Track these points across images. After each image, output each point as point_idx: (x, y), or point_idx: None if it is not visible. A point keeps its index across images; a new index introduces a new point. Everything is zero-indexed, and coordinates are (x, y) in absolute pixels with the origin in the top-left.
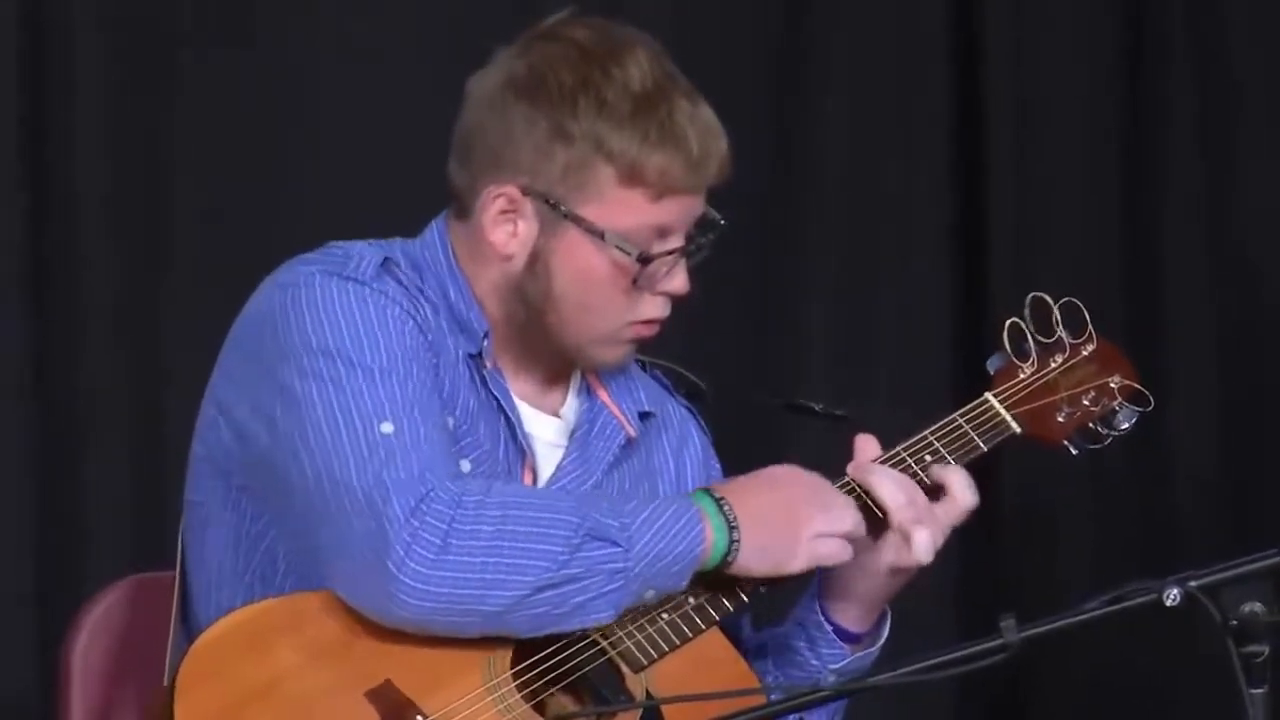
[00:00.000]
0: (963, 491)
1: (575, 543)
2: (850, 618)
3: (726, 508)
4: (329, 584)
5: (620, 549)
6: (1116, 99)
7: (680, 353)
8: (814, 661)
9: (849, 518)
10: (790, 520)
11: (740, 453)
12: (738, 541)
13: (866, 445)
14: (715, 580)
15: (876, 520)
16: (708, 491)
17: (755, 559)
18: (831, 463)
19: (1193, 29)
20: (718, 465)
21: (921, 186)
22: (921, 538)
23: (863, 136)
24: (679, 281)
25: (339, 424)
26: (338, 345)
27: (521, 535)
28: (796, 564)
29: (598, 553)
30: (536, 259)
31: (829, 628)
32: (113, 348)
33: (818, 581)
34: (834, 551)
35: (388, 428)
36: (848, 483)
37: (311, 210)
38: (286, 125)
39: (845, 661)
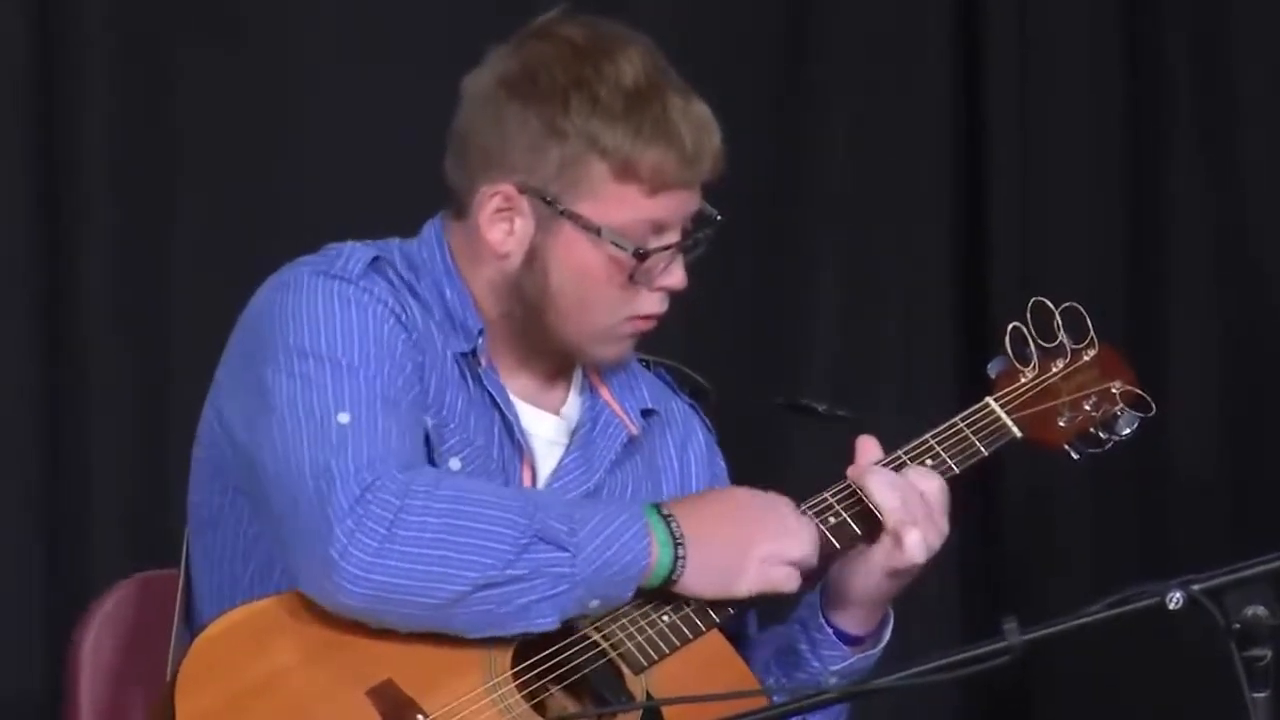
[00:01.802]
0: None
1: (523, 543)
2: (850, 620)
3: (674, 525)
4: (291, 577)
5: (568, 554)
6: (1119, 104)
7: (683, 354)
8: (815, 663)
9: (801, 545)
10: (740, 543)
11: (742, 453)
12: (683, 559)
13: (867, 446)
14: None
15: (876, 522)
16: (657, 507)
17: (701, 579)
18: (833, 464)
19: (1195, 33)
20: (722, 463)
21: (924, 189)
22: (913, 538)
23: (865, 138)
24: (676, 277)
25: (299, 416)
26: (312, 342)
27: (468, 530)
28: (743, 587)
29: (544, 555)
30: (533, 256)
31: (829, 630)
32: (118, 347)
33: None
34: (783, 578)
35: (344, 418)
36: (847, 485)
37: (312, 210)
38: (289, 126)
39: (846, 663)
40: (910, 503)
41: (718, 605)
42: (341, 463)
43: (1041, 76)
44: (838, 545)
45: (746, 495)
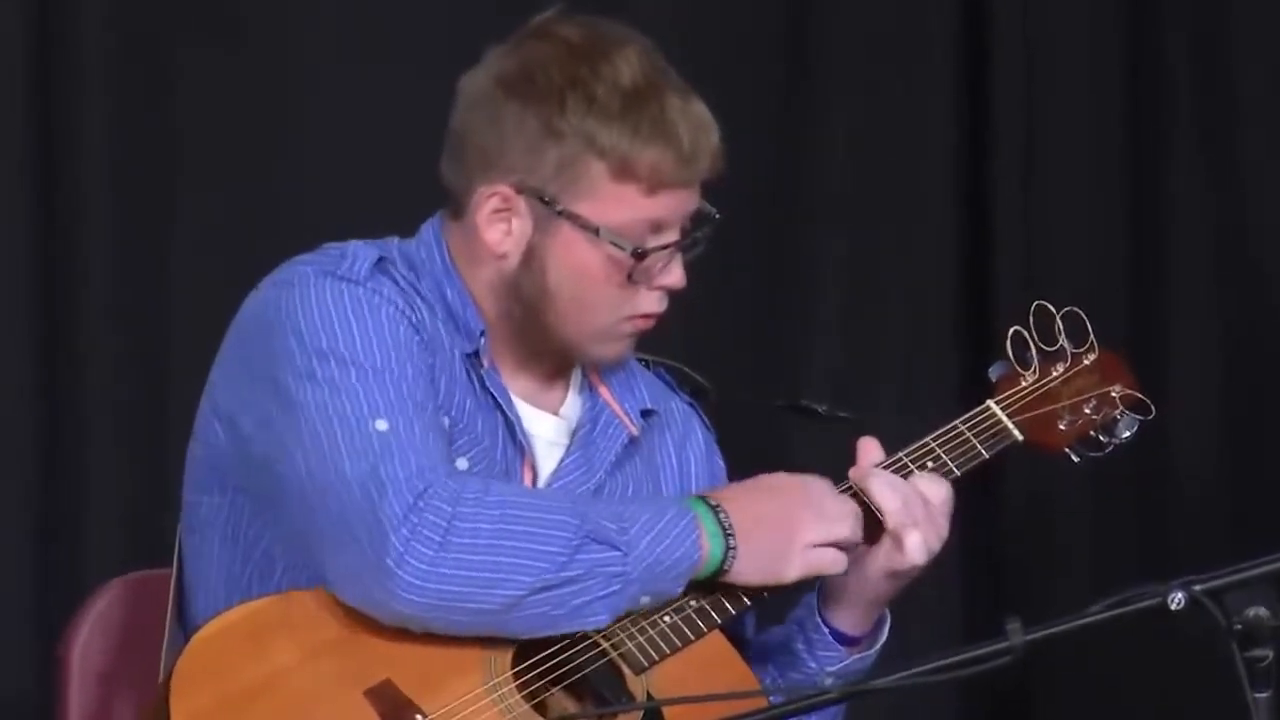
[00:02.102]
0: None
1: (575, 544)
2: (847, 620)
3: (723, 516)
4: (326, 582)
5: (620, 553)
6: (1120, 104)
7: (683, 354)
8: (811, 664)
9: (845, 526)
10: (786, 529)
11: (743, 454)
12: (734, 549)
13: (868, 448)
14: (717, 583)
15: (877, 523)
16: (704, 499)
17: (751, 568)
18: (834, 465)
19: (1195, 33)
20: (721, 462)
21: (926, 189)
22: (913, 540)
23: (867, 139)
24: (675, 276)
25: (334, 423)
26: (331, 345)
27: (521, 535)
28: (792, 573)
29: (597, 555)
30: (531, 256)
31: (826, 630)
32: (114, 346)
33: (816, 584)
34: (830, 561)
35: (382, 425)
36: (849, 487)
37: (312, 210)
38: (289, 126)
39: (843, 664)
40: (911, 504)
41: (719, 606)
42: (390, 470)
43: (1043, 77)
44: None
45: (788, 480)
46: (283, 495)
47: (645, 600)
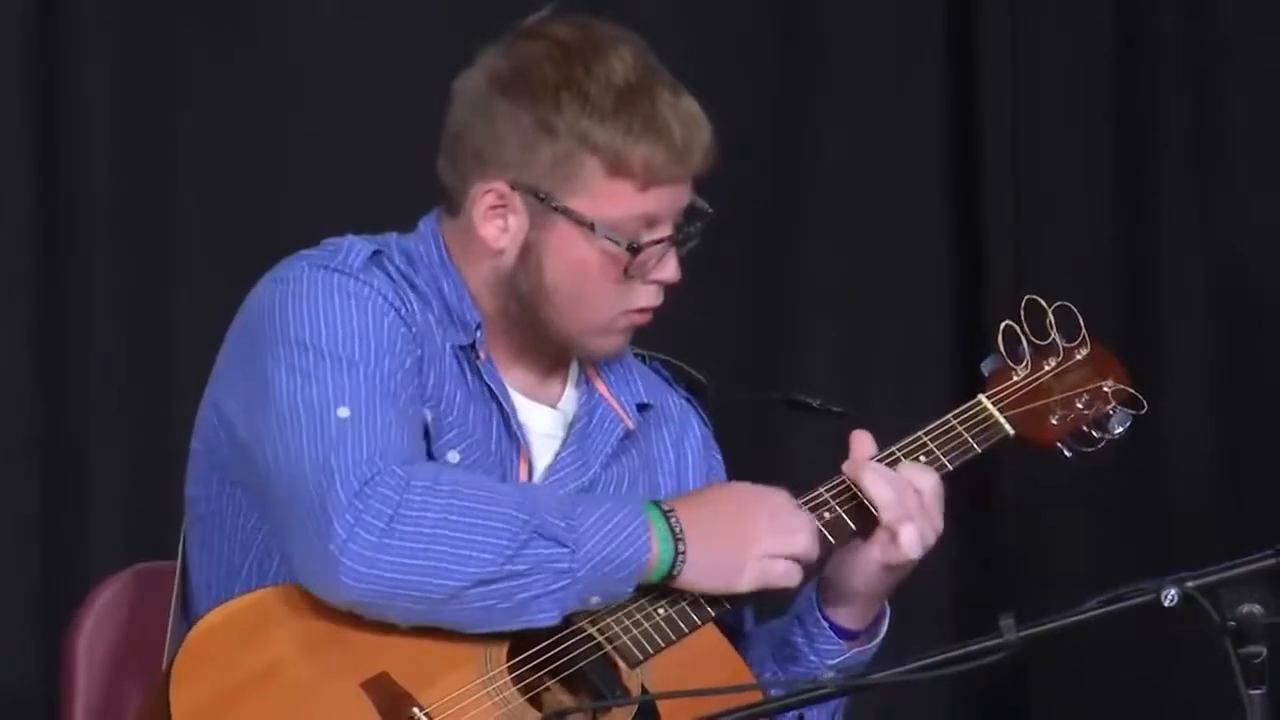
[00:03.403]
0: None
1: (522, 538)
2: (846, 615)
3: (674, 520)
4: (290, 570)
5: (567, 550)
6: (1112, 104)
7: (680, 349)
8: (812, 657)
9: (801, 540)
10: (740, 538)
11: (738, 448)
12: (683, 554)
13: (862, 442)
14: None
15: (871, 517)
16: (657, 504)
17: (701, 575)
18: (827, 458)
19: (1187, 33)
20: (719, 456)
21: (920, 188)
22: (909, 533)
23: (862, 137)
24: (670, 270)
25: (299, 410)
26: (313, 336)
27: (466, 526)
28: (744, 583)
29: (544, 551)
30: (528, 252)
31: (826, 624)
32: (118, 341)
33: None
34: (782, 573)
35: (344, 412)
36: (842, 480)
37: (315, 206)
38: (289, 121)
39: (843, 658)
40: (905, 498)
41: (714, 600)
42: (341, 458)
43: (1034, 76)
44: (833, 540)
45: (746, 490)
46: (263, 485)
47: (595, 600)
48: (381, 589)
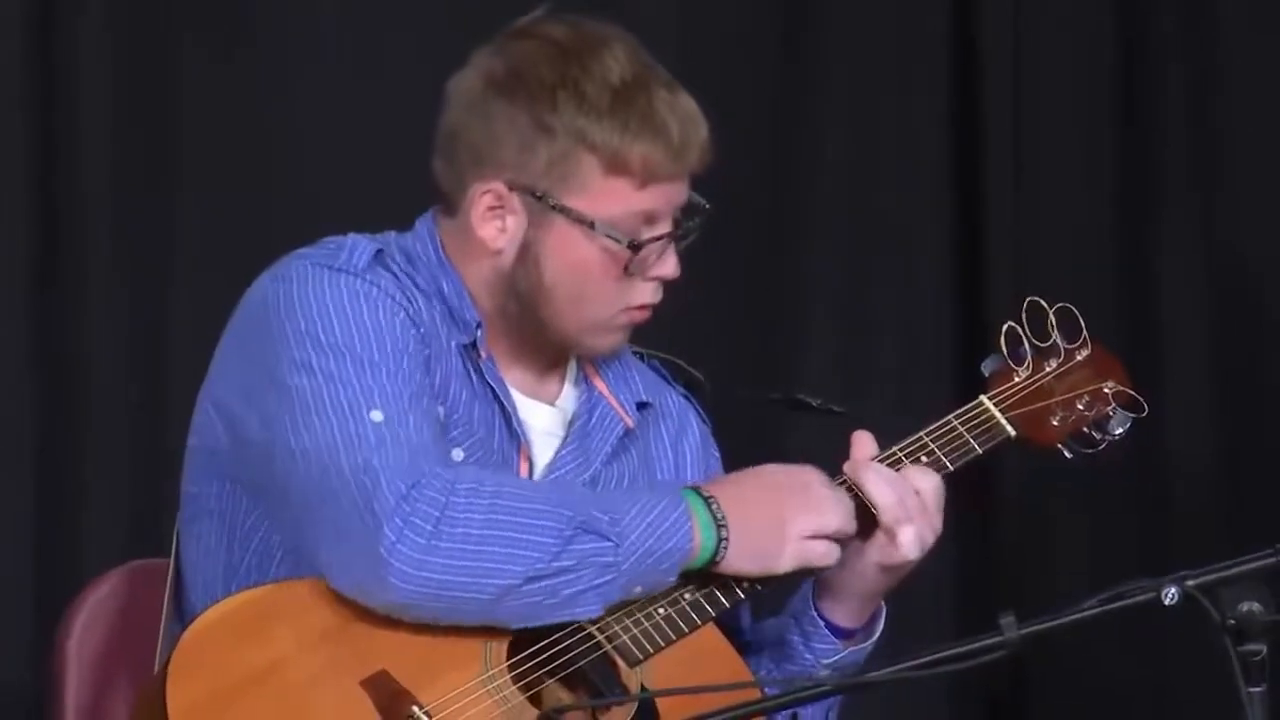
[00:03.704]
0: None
1: (567, 534)
2: (842, 613)
3: (715, 506)
4: (321, 572)
5: (611, 543)
6: (1112, 105)
7: (679, 348)
8: (807, 656)
9: (838, 518)
10: (778, 520)
11: (737, 447)
12: (726, 540)
13: (862, 442)
14: (711, 576)
15: (870, 517)
16: (697, 490)
17: (743, 559)
18: (828, 458)
19: (1188, 33)
20: (717, 454)
21: (921, 189)
22: (907, 535)
23: (863, 135)
24: (670, 266)
25: (329, 413)
26: (328, 337)
27: (513, 525)
28: (783, 565)
29: (589, 545)
30: (526, 252)
31: (822, 623)
32: (114, 338)
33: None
34: (822, 553)
35: (377, 415)
36: (843, 480)
37: (312, 204)
38: (289, 121)
39: (838, 656)
40: (905, 499)
41: (713, 598)
42: (384, 460)
43: (1035, 76)
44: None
45: (779, 472)
46: (281, 487)
47: (638, 590)
48: (430, 590)
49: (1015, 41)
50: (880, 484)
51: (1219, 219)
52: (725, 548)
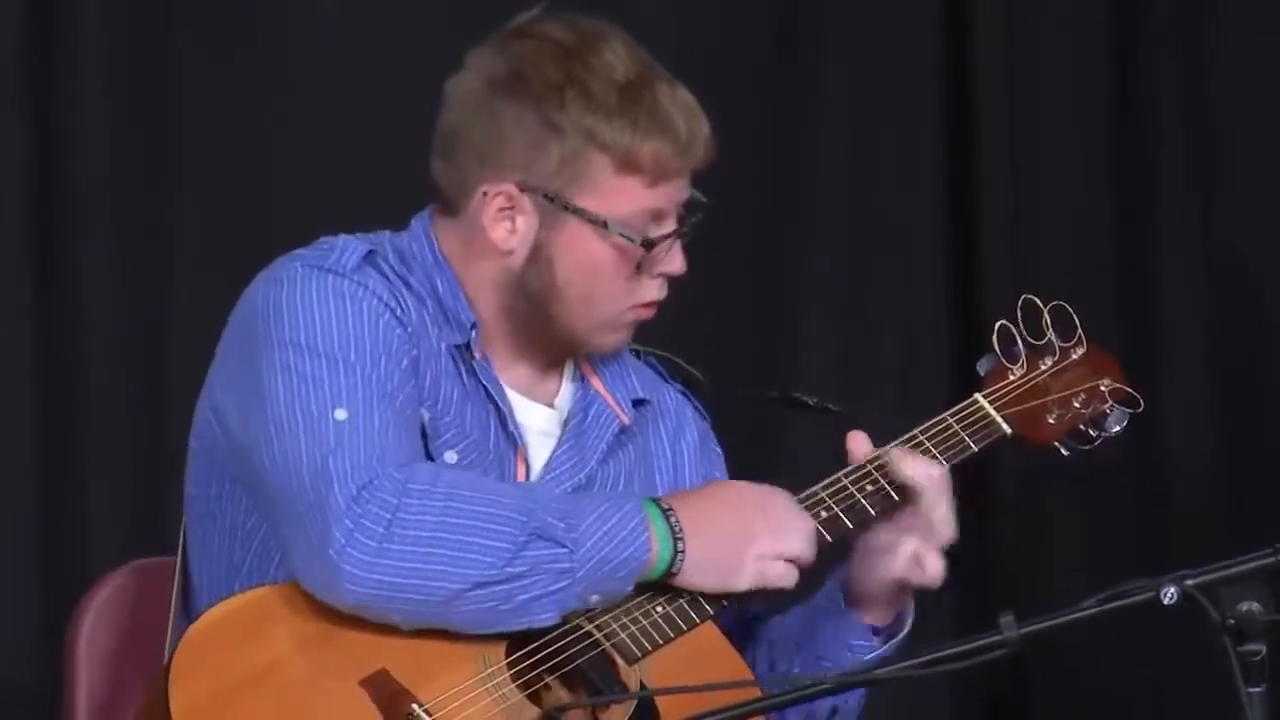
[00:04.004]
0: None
1: (521, 540)
2: (873, 616)
3: (673, 519)
4: (290, 572)
5: (566, 550)
6: (1110, 105)
7: (679, 347)
8: (845, 653)
9: (798, 541)
10: (739, 538)
11: (735, 446)
12: (682, 553)
13: (857, 441)
14: None
15: (868, 516)
16: (656, 501)
17: (699, 573)
18: (826, 456)
19: (1186, 34)
20: (718, 449)
21: (919, 189)
22: (942, 511)
23: (861, 138)
24: (677, 262)
25: (297, 413)
26: (308, 338)
27: (465, 529)
28: (741, 582)
29: (543, 552)
30: (538, 252)
31: (854, 619)
32: (117, 336)
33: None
34: (780, 574)
35: (341, 415)
36: (879, 462)
37: (315, 205)
38: (289, 121)
39: (876, 653)
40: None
41: (712, 598)
42: (338, 461)
43: (1032, 76)
44: (829, 539)
45: (745, 489)
46: (262, 487)
47: (595, 599)
48: (381, 592)
49: (1010, 42)
50: (919, 463)
51: (1218, 218)
52: (681, 560)
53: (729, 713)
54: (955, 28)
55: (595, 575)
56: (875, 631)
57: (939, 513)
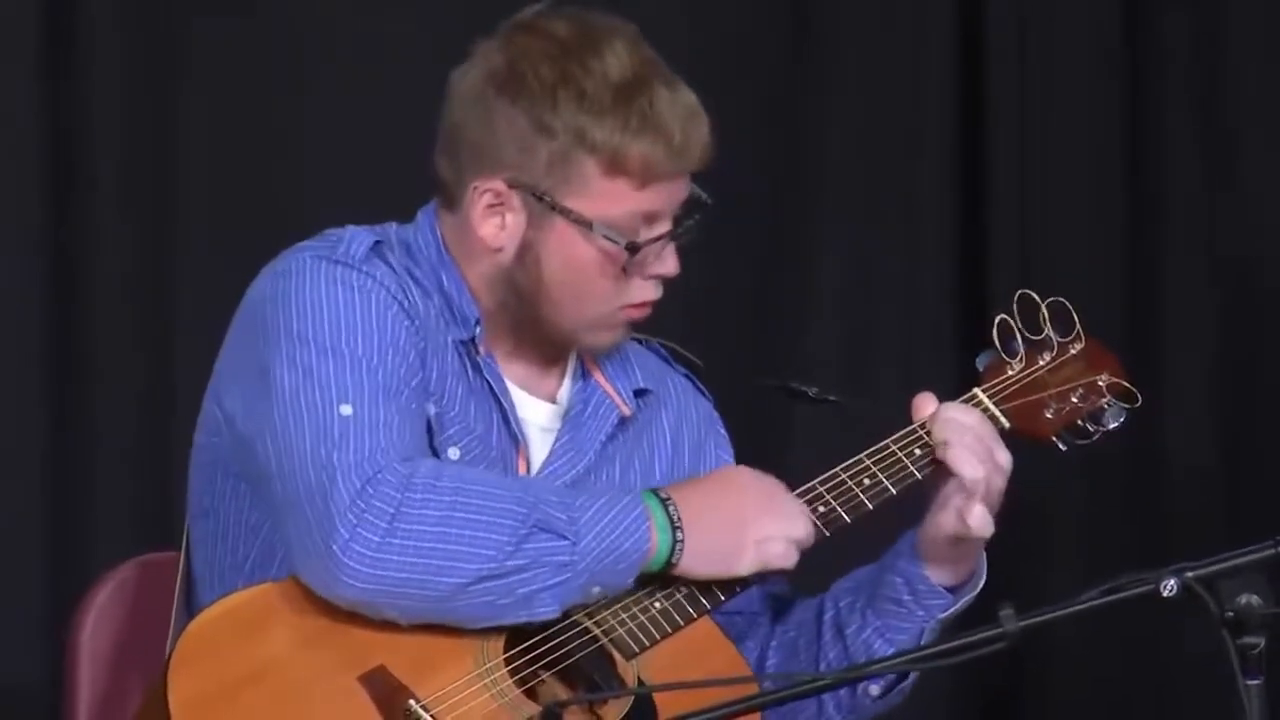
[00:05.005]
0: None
1: (522, 533)
2: (941, 575)
3: (672, 508)
4: (292, 565)
5: (567, 542)
6: (1117, 105)
7: (682, 338)
8: (919, 612)
9: (798, 524)
10: (737, 524)
11: (739, 434)
12: (681, 543)
13: (925, 400)
14: None
15: (867, 511)
16: (655, 492)
17: (700, 561)
18: (830, 445)
19: (1193, 34)
20: (723, 430)
21: (926, 186)
22: (978, 510)
23: (866, 129)
24: (669, 264)
25: (301, 408)
26: (315, 331)
27: (468, 522)
28: (743, 568)
29: (545, 545)
30: (526, 250)
31: (930, 579)
32: (123, 332)
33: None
34: (780, 553)
35: (346, 410)
36: (917, 429)
37: (321, 197)
38: (296, 113)
39: (950, 610)
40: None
41: (709, 591)
42: (343, 456)
43: (1040, 75)
44: (827, 535)
45: (742, 475)
46: (266, 481)
47: (596, 591)
48: (383, 588)
49: (1021, 40)
50: (971, 460)
51: (1221, 218)
52: (681, 550)
53: (727, 709)
54: (966, 27)
55: (596, 567)
56: (948, 590)
57: (973, 513)
